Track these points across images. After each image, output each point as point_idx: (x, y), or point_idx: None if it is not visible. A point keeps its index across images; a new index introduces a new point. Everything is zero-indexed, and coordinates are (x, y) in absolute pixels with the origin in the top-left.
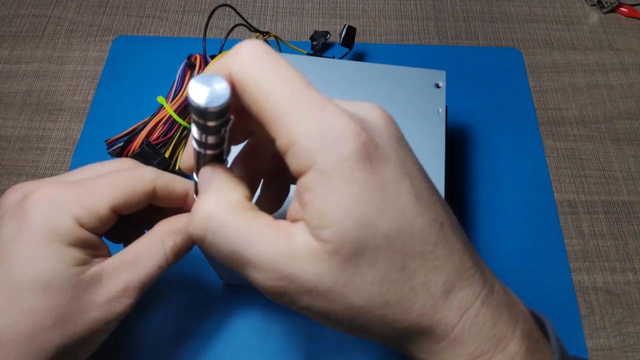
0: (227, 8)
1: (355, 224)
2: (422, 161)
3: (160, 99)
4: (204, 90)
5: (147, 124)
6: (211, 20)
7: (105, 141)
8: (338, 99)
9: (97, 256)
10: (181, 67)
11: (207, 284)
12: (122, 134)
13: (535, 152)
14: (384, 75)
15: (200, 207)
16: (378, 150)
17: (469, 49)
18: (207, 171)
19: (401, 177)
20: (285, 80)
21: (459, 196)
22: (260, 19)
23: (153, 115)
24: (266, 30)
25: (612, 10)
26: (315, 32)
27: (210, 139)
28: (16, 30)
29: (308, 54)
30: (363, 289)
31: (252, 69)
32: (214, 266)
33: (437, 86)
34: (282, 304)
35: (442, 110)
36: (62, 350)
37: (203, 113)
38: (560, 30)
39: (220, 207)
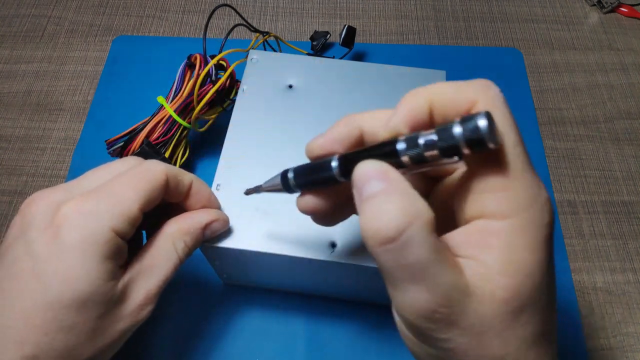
0: (227, 8)
1: (533, 283)
2: None
3: (160, 99)
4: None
5: (147, 124)
6: (211, 20)
7: (105, 141)
8: (339, 99)
9: (122, 265)
10: (181, 67)
11: (207, 284)
12: (122, 134)
13: (535, 152)
14: (384, 75)
15: (392, 210)
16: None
17: (469, 49)
18: (379, 166)
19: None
20: (517, 134)
21: None
22: (260, 19)
23: (153, 115)
24: (266, 30)
25: (612, 10)
26: (315, 32)
27: (431, 157)
28: (16, 30)
29: (308, 54)
30: (509, 342)
31: (499, 113)
32: (214, 266)
33: None
34: (416, 328)
35: None
36: None
37: (478, 141)
38: (560, 30)
39: (417, 217)
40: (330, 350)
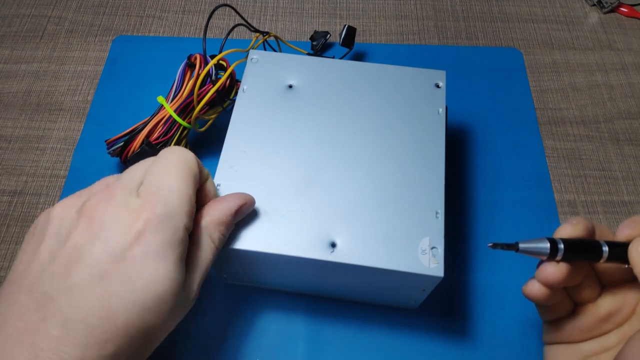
0: (227, 8)
1: None
2: (422, 162)
3: (160, 99)
4: None
5: (147, 124)
6: (211, 21)
7: (105, 141)
8: (339, 99)
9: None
10: (181, 67)
11: (207, 284)
12: (122, 134)
13: (535, 152)
14: (384, 75)
15: None
16: None
17: (469, 49)
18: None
19: None
20: None
21: (459, 196)
22: (260, 19)
23: (153, 115)
24: (266, 30)
25: (612, 10)
26: (315, 32)
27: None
28: (16, 30)
29: (308, 54)
30: None
31: None
32: (213, 266)
33: (437, 86)
34: None
35: (442, 110)
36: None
37: None
38: (560, 30)
39: None
40: (330, 350)
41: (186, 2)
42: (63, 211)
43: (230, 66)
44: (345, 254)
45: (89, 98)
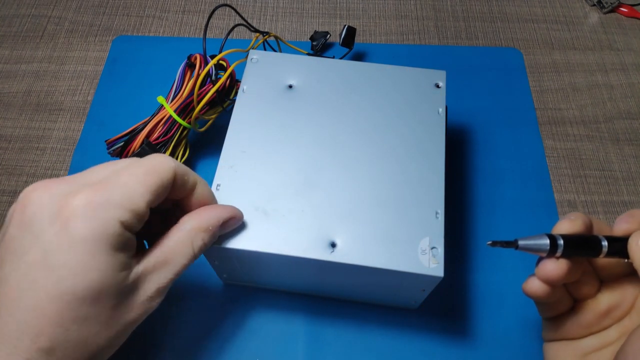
0: (227, 8)
1: None
2: (421, 162)
3: (160, 99)
4: None
5: (147, 124)
6: (211, 21)
7: (106, 141)
8: (339, 99)
9: (133, 256)
10: (181, 67)
11: (207, 284)
12: (122, 134)
13: (535, 152)
14: (384, 75)
15: None
16: None
17: (469, 49)
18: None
19: None
20: None
21: (459, 196)
22: (260, 19)
23: (153, 115)
24: (266, 30)
25: (612, 10)
26: (315, 32)
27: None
28: (16, 30)
29: (308, 54)
30: None
31: None
32: (214, 266)
33: (437, 86)
34: None
35: (442, 110)
36: (100, 351)
37: None
38: (560, 30)
39: None
40: (330, 350)
41: (186, 2)
42: (44, 200)
43: (230, 66)
44: (345, 254)
45: (89, 98)
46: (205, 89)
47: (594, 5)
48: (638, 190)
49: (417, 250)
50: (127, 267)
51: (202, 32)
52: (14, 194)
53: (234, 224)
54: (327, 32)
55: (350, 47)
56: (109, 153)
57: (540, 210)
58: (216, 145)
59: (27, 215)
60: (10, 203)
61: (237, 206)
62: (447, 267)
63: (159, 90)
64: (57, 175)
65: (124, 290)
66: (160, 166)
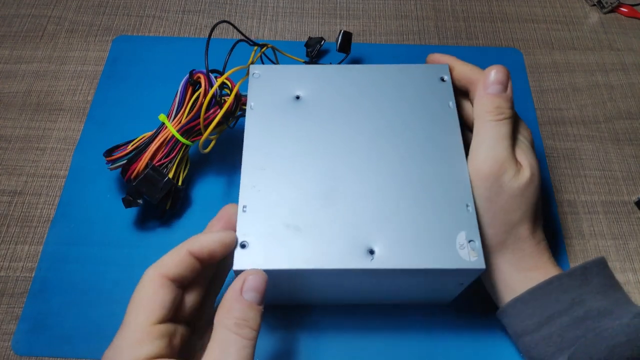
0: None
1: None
2: (442, 156)
3: (162, 118)
4: None
5: (149, 145)
6: (207, 26)
7: (104, 155)
8: (347, 104)
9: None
10: (182, 83)
11: None
12: (124, 152)
13: (536, 152)
14: (389, 75)
15: None
16: None
17: (469, 49)
18: None
19: None
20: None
21: None
22: (260, 19)
23: (155, 134)
24: (265, 32)
25: (612, 10)
26: (310, 38)
27: None
28: (16, 30)
29: (305, 62)
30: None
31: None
32: None
33: (443, 80)
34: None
35: (452, 103)
36: None
37: None
38: (560, 30)
39: None
40: (330, 350)
41: (186, 2)
42: None
43: (234, 85)
44: (386, 260)
45: (89, 98)
46: (212, 114)
47: (594, 5)
48: (638, 190)
49: (456, 246)
50: None
51: (201, 32)
52: (14, 194)
53: (251, 276)
54: (322, 38)
55: (347, 52)
56: (109, 168)
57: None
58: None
59: None
60: (10, 203)
61: (266, 226)
62: None
63: (158, 90)
64: (57, 175)
65: None
66: (140, 291)
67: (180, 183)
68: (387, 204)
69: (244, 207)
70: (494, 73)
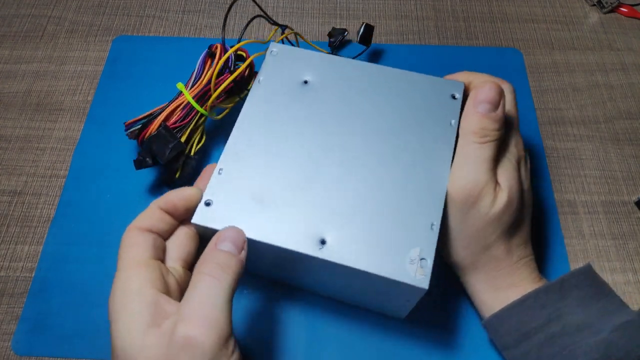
0: (243, 6)
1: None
2: (425, 171)
3: (180, 85)
4: None
5: (165, 109)
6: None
7: (124, 123)
8: (351, 99)
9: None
10: (202, 55)
11: None
12: (140, 117)
13: (536, 152)
14: (401, 81)
15: None
16: None
17: (469, 49)
18: None
19: None
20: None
21: None
22: (260, 19)
23: (171, 101)
24: (265, 38)
25: (612, 10)
26: (333, 28)
27: None
28: (16, 30)
29: (326, 52)
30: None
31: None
32: None
33: (454, 97)
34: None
35: (454, 122)
36: None
37: None
38: (560, 30)
39: None
40: (330, 350)
41: (186, 2)
42: None
43: (249, 57)
44: (333, 253)
45: (89, 98)
46: (223, 78)
47: (594, 5)
48: (638, 190)
49: (406, 259)
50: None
51: (201, 32)
52: (14, 194)
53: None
54: (345, 29)
55: (368, 44)
56: (127, 135)
57: (540, 210)
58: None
59: None
60: (10, 203)
61: (236, 194)
62: (441, 275)
63: (159, 90)
64: (57, 175)
65: None
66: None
67: (192, 153)
68: (356, 202)
69: (220, 169)
70: (486, 90)
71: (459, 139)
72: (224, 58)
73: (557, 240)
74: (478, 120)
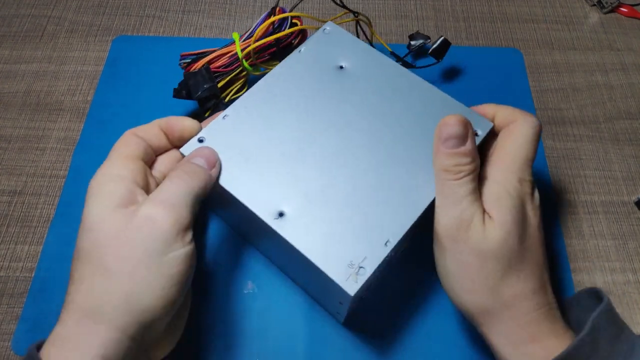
0: None
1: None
2: (409, 191)
3: (235, 35)
4: None
5: (214, 52)
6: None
7: (181, 54)
8: (376, 99)
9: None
10: (264, 14)
11: (206, 285)
12: (196, 52)
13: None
14: (430, 98)
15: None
16: None
17: (469, 49)
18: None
19: None
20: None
21: None
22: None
23: (224, 46)
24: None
25: (612, 10)
26: (417, 32)
27: None
28: (16, 30)
29: (394, 55)
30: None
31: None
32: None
33: (476, 134)
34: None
35: None
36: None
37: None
38: (560, 30)
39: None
40: (330, 350)
41: (186, 2)
42: None
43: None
44: (284, 226)
45: (89, 98)
46: (268, 34)
47: (594, 5)
48: (638, 190)
49: (347, 260)
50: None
51: (201, 32)
52: (14, 194)
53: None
54: (428, 37)
55: (439, 59)
56: (179, 64)
57: (540, 210)
58: None
59: None
60: (10, 203)
61: (229, 142)
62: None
63: (159, 90)
64: (57, 175)
65: None
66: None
67: (226, 100)
68: (330, 191)
69: (226, 115)
70: (448, 126)
71: (435, 179)
72: (277, 17)
73: (558, 240)
74: (448, 158)
